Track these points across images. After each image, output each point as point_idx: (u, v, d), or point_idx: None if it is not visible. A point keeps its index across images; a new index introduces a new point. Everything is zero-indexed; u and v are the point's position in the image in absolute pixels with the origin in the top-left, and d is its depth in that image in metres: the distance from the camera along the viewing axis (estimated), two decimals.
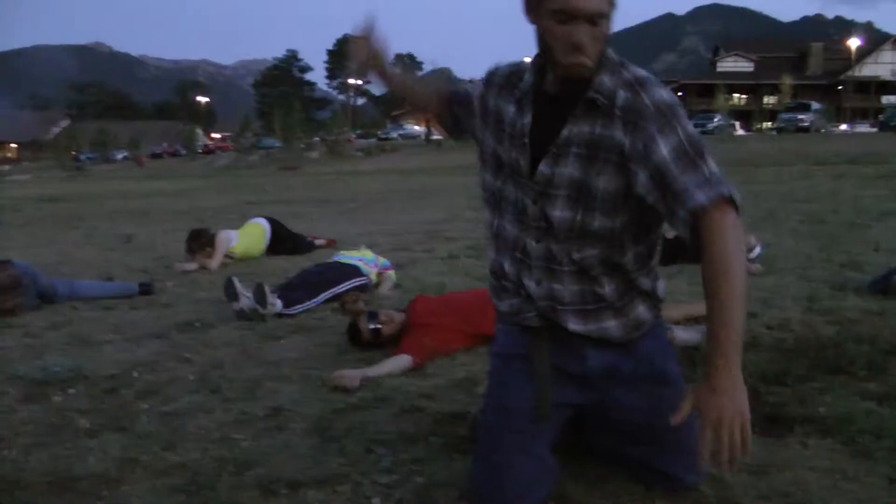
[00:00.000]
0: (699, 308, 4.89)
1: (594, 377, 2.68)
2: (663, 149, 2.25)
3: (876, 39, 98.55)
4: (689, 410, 2.16)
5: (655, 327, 2.72)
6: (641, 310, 2.63)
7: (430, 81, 2.63)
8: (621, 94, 2.35)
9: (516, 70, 2.65)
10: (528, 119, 2.50)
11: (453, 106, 2.83)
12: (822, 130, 55.46)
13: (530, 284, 2.59)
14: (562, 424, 2.75)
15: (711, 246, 2.17)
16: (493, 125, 2.63)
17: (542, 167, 2.45)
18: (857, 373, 3.74)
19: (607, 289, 2.55)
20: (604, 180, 2.38)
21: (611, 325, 2.60)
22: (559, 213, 2.45)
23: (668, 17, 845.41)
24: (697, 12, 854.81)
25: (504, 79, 2.67)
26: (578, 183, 2.41)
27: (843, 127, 66.05)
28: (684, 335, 4.37)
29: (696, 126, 2.40)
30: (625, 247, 2.50)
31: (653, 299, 2.67)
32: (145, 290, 6.62)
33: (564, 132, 2.41)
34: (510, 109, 2.58)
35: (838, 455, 2.93)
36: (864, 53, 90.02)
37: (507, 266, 2.64)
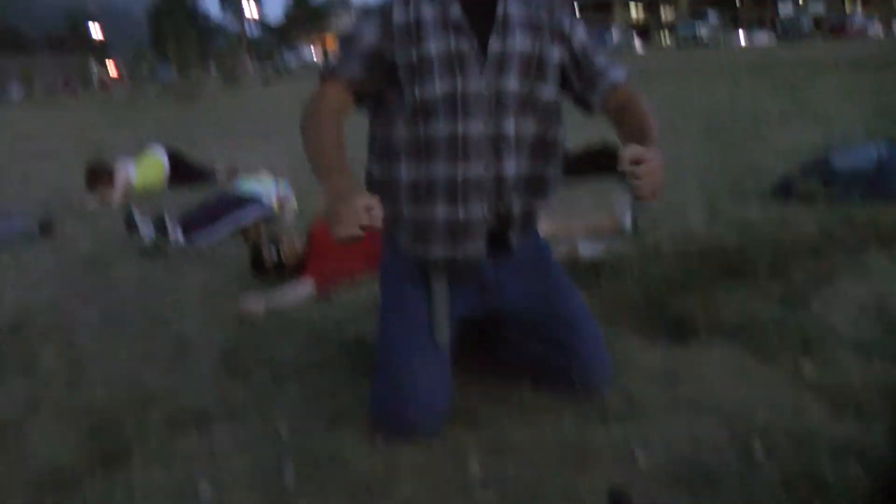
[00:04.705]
0: (600, 219, 4.94)
1: (488, 282, 2.73)
2: (582, 33, 2.64)
3: None
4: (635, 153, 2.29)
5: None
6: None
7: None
8: None
9: None
10: (456, 9, 2.53)
11: (366, 98, 2.68)
12: (721, 41, 56.18)
13: (509, 166, 2.58)
14: (459, 333, 2.77)
15: (637, 104, 2.59)
16: (414, 34, 2.53)
17: (492, 44, 2.51)
18: (759, 277, 3.78)
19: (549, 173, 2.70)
20: (553, 51, 2.59)
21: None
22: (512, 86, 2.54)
23: None
24: None
25: None
26: (529, 55, 2.55)
27: (741, 36, 66.94)
28: (589, 248, 4.37)
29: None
30: (558, 121, 2.69)
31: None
32: (45, 229, 6.38)
33: (499, 9, 2.53)
34: (428, 12, 2.54)
35: (743, 358, 2.97)
36: None
37: (472, 174, 2.55)
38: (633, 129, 2.50)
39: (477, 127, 2.52)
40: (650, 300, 3.55)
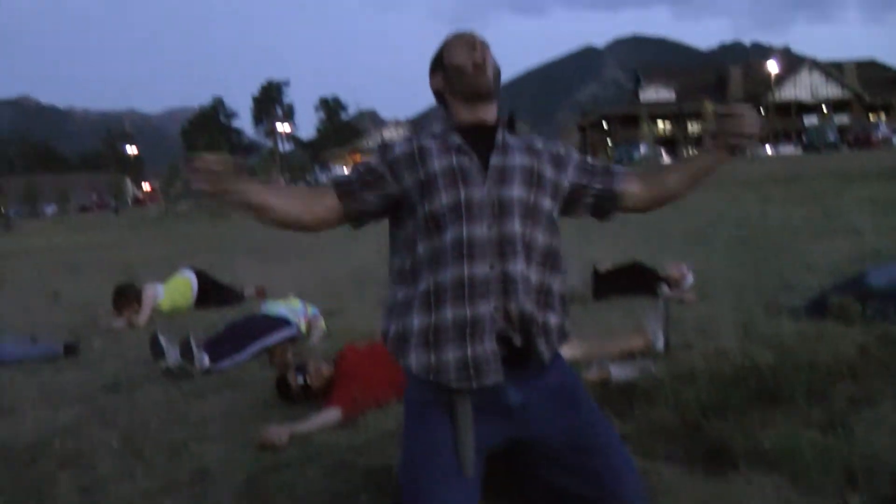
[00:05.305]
0: (632, 339, 4.86)
1: (515, 410, 2.63)
2: (575, 153, 2.85)
3: (793, 62, 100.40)
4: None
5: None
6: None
7: (291, 192, 2.70)
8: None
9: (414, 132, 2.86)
10: (456, 137, 2.66)
11: (351, 201, 2.72)
12: (748, 153, 56.42)
13: (514, 267, 2.57)
14: (487, 466, 2.68)
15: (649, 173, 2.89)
16: (418, 159, 2.65)
17: (493, 160, 2.62)
18: (798, 401, 3.67)
19: (556, 285, 2.68)
20: (548, 169, 2.71)
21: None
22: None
23: (589, 50, 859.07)
24: (617, 44, 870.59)
25: (408, 135, 2.80)
26: (529, 168, 2.67)
27: (768, 148, 67.24)
28: (621, 371, 4.28)
29: (622, 157, 2.88)
30: (559, 234, 2.73)
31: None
32: (70, 350, 6.38)
33: (498, 136, 2.67)
34: (431, 142, 2.66)
35: (785, 491, 2.85)
36: (782, 76, 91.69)
37: (477, 272, 2.56)
38: (677, 165, 2.93)
39: (481, 229, 2.56)
40: (685, 426, 3.45)
